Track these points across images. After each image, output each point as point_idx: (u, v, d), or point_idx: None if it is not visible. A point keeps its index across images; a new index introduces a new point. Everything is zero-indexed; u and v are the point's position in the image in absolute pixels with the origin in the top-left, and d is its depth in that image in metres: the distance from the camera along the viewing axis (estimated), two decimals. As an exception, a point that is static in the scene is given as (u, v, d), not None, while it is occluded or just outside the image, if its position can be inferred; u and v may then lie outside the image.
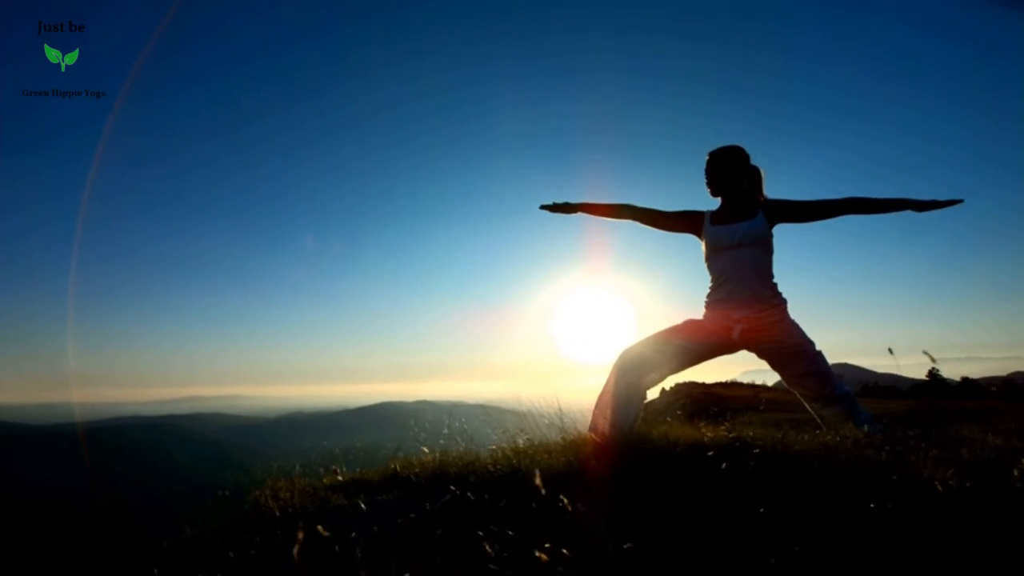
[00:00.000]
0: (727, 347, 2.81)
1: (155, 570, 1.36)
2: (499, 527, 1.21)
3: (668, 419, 3.49)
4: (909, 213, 2.73)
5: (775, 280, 2.82)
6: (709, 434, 2.09)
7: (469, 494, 1.60)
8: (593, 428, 2.75)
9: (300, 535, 1.15)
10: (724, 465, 1.46)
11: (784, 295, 2.81)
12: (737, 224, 2.80)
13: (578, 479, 1.66)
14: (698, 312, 2.92)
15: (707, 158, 2.91)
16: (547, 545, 1.01)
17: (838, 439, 1.93)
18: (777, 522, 1.08)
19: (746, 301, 2.74)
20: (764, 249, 2.79)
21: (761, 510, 1.17)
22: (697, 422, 3.13)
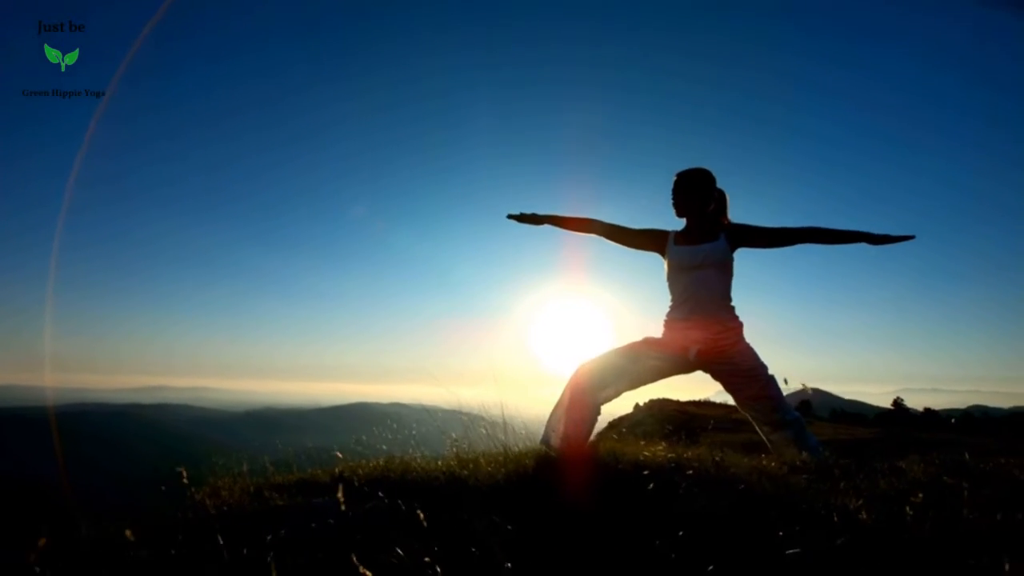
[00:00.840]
0: (683, 367, 2.85)
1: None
2: (408, 536, 1.19)
3: (636, 434, 3.51)
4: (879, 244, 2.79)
5: (733, 303, 2.87)
6: (659, 452, 2.10)
7: (399, 501, 1.58)
8: (545, 441, 2.75)
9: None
10: (651, 486, 1.46)
11: (741, 318, 2.86)
12: (699, 246, 2.85)
13: (510, 492, 1.65)
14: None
15: (675, 179, 2.95)
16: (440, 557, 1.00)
17: (772, 464, 1.95)
18: (690, 545, 1.09)
19: (704, 322, 2.78)
20: (724, 272, 2.84)
21: (680, 533, 1.17)
22: (669, 439, 3.15)
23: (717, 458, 1.90)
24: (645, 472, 1.62)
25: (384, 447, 3.21)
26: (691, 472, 1.63)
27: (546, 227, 3.14)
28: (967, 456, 2.36)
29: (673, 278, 2.91)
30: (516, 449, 2.44)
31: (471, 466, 2.06)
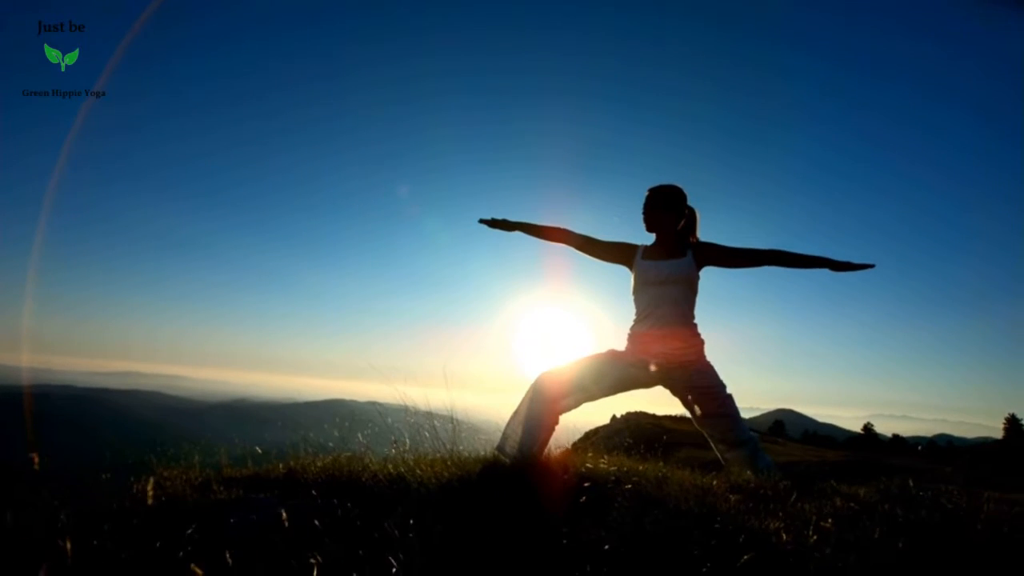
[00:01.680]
0: (643, 380, 2.86)
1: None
2: (335, 536, 1.17)
3: (609, 445, 3.51)
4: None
5: (696, 320, 2.90)
6: (606, 465, 2.10)
7: (335, 500, 1.55)
8: (500, 448, 2.74)
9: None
10: (584, 499, 1.46)
11: (703, 336, 2.89)
12: (666, 261, 2.87)
13: (450, 496, 1.63)
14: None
15: (647, 194, 2.98)
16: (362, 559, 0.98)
17: (716, 482, 1.97)
18: (601, 558, 1.08)
19: (665, 337, 2.80)
20: (689, 289, 2.86)
21: (606, 547, 1.17)
22: (641, 452, 3.16)
23: (661, 474, 1.90)
24: (586, 484, 1.62)
25: (349, 445, 3.16)
26: (629, 487, 1.63)
27: (519, 234, 3.15)
28: (911, 482, 2.40)
29: (638, 292, 2.93)
30: (466, 454, 2.42)
31: (417, 469, 2.04)
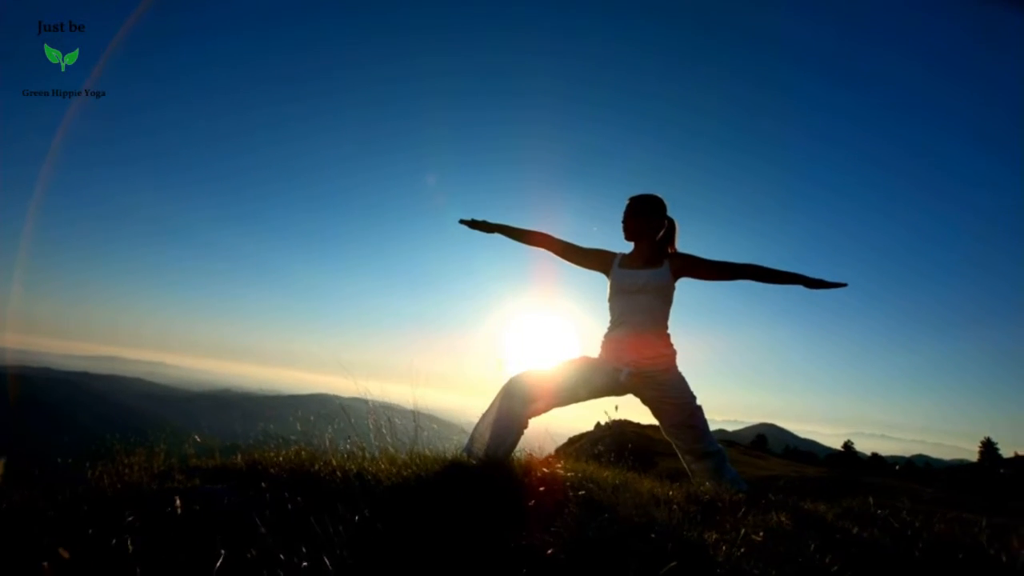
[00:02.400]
0: (614, 388, 2.86)
1: None
2: (275, 531, 1.16)
3: (591, 453, 3.51)
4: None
5: (669, 331, 2.91)
6: (559, 470, 2.10)
7: (286, 494, 1.54)
8: (467, 450, 2.73)
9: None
10: (532, 503, 1.46)
11: (675, 347, 2.90)
12: (642, 271, 2.88)
13: (405, 494, 1.62)
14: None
15: (627, 203, 2.99)
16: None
17: (673, 492, 1.97)
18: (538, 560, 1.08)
19: (637, 346, 2.81)
20: (663, 299, 2.87)
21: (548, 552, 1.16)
22: (623, 461, 3.16)
23: (619, 481, 1.91)
24: (541, 488, 1.61)
25: (317, 439, 3.13)
26: (583, 492, 1.63)
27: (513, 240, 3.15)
28: (871, 500, 2.42)
29: (613, 299, 2.94)
30: (432, 453, 2.41)
31: (379, 464, 2.02)
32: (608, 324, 2.95)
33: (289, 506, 1.46)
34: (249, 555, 1.05)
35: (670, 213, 3.01)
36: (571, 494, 1.62)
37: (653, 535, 1.19)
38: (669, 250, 3.00)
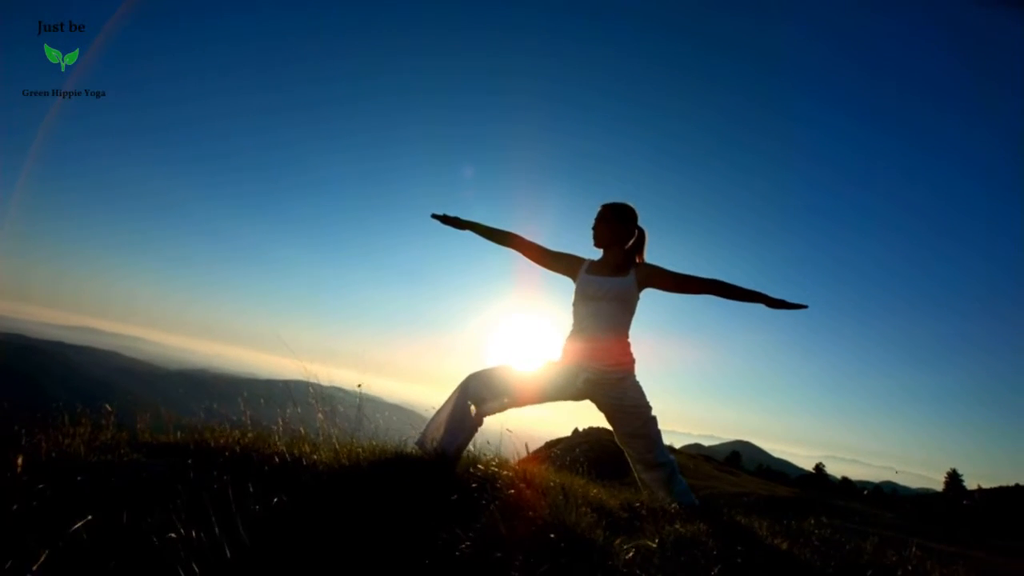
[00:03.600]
0: (571, 392, 2.87)
1: None
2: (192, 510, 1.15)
3: (565, 459, 3.52)
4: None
5: (629, 340, 2.92)
6: (494, 468, 2.10)
7: (215, 472, 1.52)
8: (420, 443, 2.72)
9: None
10: (455, 496, 1.46)
11: (634, 355, 2.91)
12: (608, 278, 2.90)
13: (341, 481, 1.62)
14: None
15: (599, 209, 3.01)
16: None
17: (613, 500, 1.99)
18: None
19: (596, 352, 2.82)
20: (626, 308, 2.89)
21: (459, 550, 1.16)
22: (596, 469, 3.17)
23: (553, 483, 1.92)
24: (474, 485, 1.62)
25: (270, 423, 3.10)
26: (512, 491, 1.64)
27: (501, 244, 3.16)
28: (813, 521, 2.46)
29: (577, 305, 2.95)
30: (372, 443, 2.39)
31: (317, 452, 2.01)
32: (570, 328, 2.96)
33: (215, 485, 1.44)
34: (144, 524, 1.04)
35: (642, 223, 3.03)
36: (505, 493, 1.62)
37: (553, 535, 1.19)
38: (637, 260, 3.02)
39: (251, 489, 1.32)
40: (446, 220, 3.12)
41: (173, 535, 1.04)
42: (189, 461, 1.68)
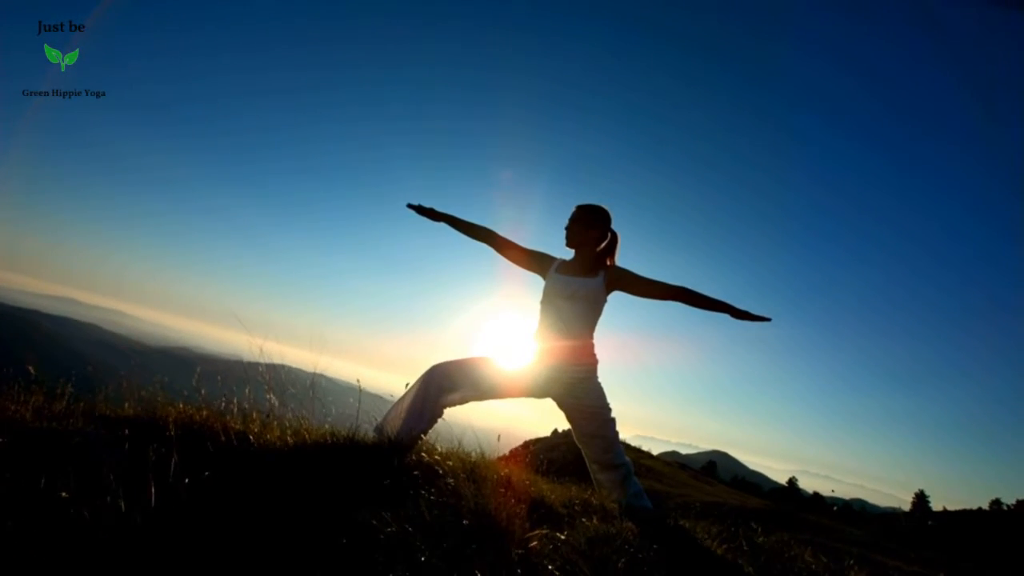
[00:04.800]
0: (532, 390, 2.89)
1: None
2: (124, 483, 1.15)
3: (543, 459, 3.52)
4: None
5: (594, 341, 2.95)
6: (438, 457, 2.12)
7: (154, 446, 1.51)
8: (378, 429, 2.72)
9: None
10: (388, 481, 1.47)
11: (598, 357, 2.94)
12: (577, 278, 2.92)
13: (286, 460, 1.62)
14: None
15: (573, 210, 3.03)
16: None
17: (554, 496, 2.01)
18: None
19: (559, 352, 2.83)
20: (593, 308, 2.91)
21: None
22: (571, 470, 3.18)
23: (504, 472, 1.93)
24: (415, 473, 1.63)
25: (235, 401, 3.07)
26: (451, 481, 1.65)
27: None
28: (743, 531, 2.49)
29: (544, 303, 2.96)
30: (323, 426, 2.39)
31: (265, 431, 2.01)
32: (536, 326, 2.98)
33: (154, 457, 1.43)
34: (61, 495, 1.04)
35: (617, 227, 3.05)
36: (447, 482, 1.63)
37: (467, 521, 1.21)
38: (608, 262, 3.04)
39: (177, 460, 1.31)
40: (421, 210, 3.12)
41: (87, 501, 1.03)
42: (126, 431, 1.67)
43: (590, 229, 2.97)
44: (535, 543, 1.21)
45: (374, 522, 1.18)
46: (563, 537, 1.29)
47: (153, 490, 1.14)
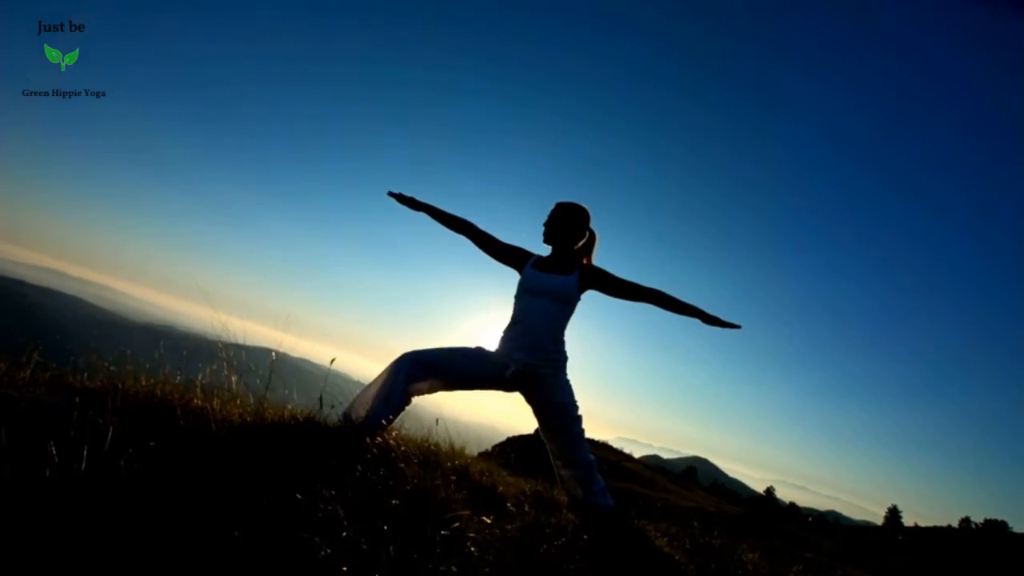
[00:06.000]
0: (500, 383, 2.90)
1: None
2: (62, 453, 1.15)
3: (524, 457, 3.55)
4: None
5: (565, 338, 2.97)
6: (392, 442, 2.13)
7: (105, 417, 1.51)
8: (345, 415, 2.73)
9: None
10: (335, 462, 1.49)
11: (567, 354, 2.96)
12: (552, 275, 2.94)
13: (242, 439, 1.63)
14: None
15: (553, 207, 3.04)
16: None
17: (497, 484, 2.03)
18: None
19: (529, 347, 2.85)
20: (564, 306, 2.93)
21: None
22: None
23: (460, 462, 1.95)
24: (368, 456, 1.64)
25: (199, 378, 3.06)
26: (403, 466, 1.67)
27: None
28: (702, 536, 2.53)
29: (518, 298, 2.98)
30: (284, 407, 2.39)
31: (226, 408, 2.01)
32: (508, 320, 3.00)
33: (106, 426, 1.42)
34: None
35: (593, 226, 3.08)
36: (399, 466, 1.65)
37: (396, 501, 1.23)
38: (584, 261, 3.07)
39: (116, 431, 1.31)
40: (402, 199, 3.12)
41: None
42: (77, 399, 1.66)
43: (568, 227, 2.99)
44: (458, 524, 1.23)
45: (315, 501, 1.20)
46: (488, 520, 1.32)
47: (85, 453, 1.14)
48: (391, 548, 1.02)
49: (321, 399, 2.63)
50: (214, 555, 0.98)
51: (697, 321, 3.02)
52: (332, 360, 3.05)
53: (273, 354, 2.45)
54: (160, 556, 0.97)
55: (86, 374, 2.54)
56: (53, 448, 1.12)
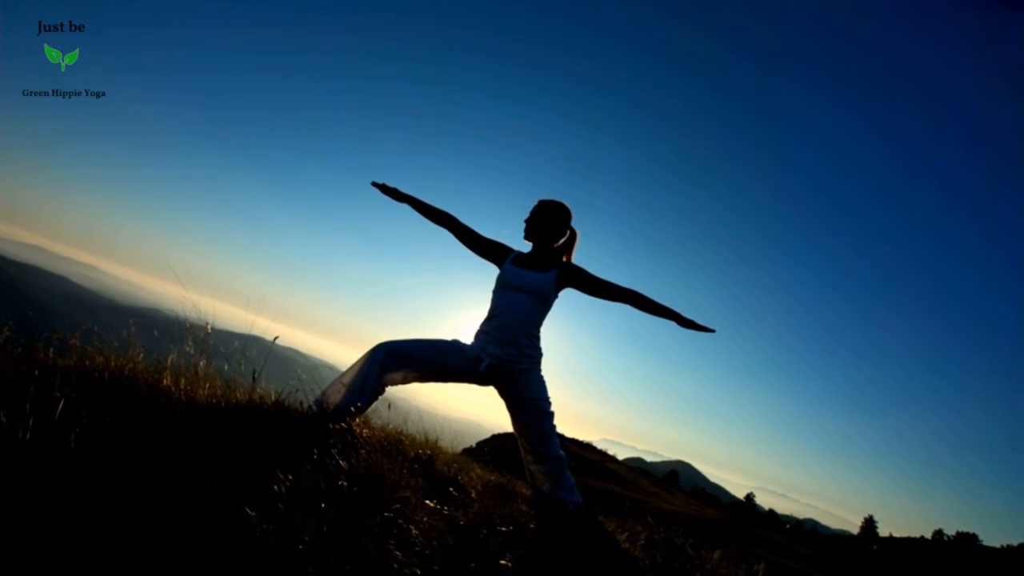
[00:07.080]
0: (473, 377, 2.91)
1: None
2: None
3: (506, 455, 3.56)
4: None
5: (540, 335, 2.98)
6: (356, 428, 2.14)
7: (73, 394, 1.50)
8: (317, 402, 2.72)
9: None
10: (301, 447, 1.50)
11: (542, 351, 2.98)
12: (530, 272, 2.95)
13: (210, 419, 1.63)
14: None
15: (536, 204, 3.05)
16: None
17: (458, 476, 2.05)
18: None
19: (504, 342, 2.86)
20: (541, 303, 2.94)
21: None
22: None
23: (425, 452, 1.96)
24: (330, 441, 1.65)
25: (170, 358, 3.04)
26: (364, 451, 1.68)
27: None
28: (659, 533, 2.56)
29: (495, 292, 2.99)
30: (252, 391, 2.39)
31: (192, 391, 2.01)
32: (485, 315, 3.01)
33: (62, 400, 1.42)
34: None
35: (575, 225, 3.09)
36: (361, 452, 1.66)
37: (345, 482, 1.24)
38: (564, 259, 3.08)
39: (65, 405, 1.30)
40: (385, 189, 3.11)
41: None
42: (36, 372, 1.65)
43: (550, 225, 3.00)
44: (399, 506, 1.25)
45: (266, 482, 1.21)
46: (432, 504, 1.33)
47: (31, 423, 1.14)
48: (324, 526, 1.03)
49: (295, 386, 2.62)
50: (144, 524, 0.98)
51: (674, 324, 3.05)
52: (275, 338, 3.04)
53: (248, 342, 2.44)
54: (84, 521, 0.97)
55: (51, 350, 2.52)
56: (3, 416, 1.12)
